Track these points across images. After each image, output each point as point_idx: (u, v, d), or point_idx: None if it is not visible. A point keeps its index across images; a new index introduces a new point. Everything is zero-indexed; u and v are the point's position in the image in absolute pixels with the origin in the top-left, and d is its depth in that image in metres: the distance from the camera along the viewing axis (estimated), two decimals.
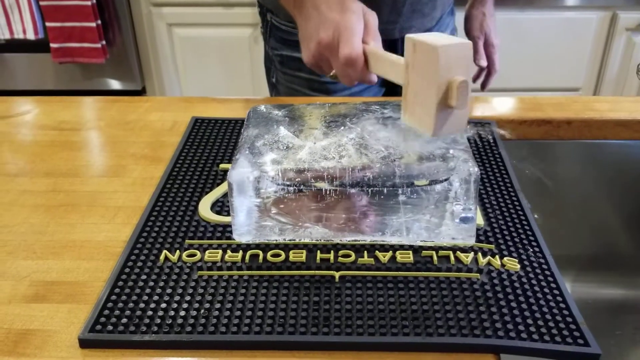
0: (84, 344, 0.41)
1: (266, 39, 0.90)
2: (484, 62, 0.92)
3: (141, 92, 1.75)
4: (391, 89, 0.91)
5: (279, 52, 0.87)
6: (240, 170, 0.48)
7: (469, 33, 0.94)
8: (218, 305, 0.43)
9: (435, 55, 0.42)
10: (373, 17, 0.58)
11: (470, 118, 0.70)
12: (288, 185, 0.48)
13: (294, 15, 0.64)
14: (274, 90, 0.93)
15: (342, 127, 0.53)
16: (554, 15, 1.56)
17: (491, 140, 0.66)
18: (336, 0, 0.58)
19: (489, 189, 0.57)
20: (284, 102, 0.75)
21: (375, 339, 0.41)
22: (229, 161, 0.62)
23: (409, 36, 0.45)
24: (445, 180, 0.47)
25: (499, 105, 0.75)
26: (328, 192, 0.48)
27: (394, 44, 0.83)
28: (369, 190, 0.48)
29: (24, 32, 1.64)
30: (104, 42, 1.63)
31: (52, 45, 1.64)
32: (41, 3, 1.60)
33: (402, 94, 0.48)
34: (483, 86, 0.96)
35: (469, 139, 0.65)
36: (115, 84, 1.74)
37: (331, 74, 0.60)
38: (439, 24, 0.87)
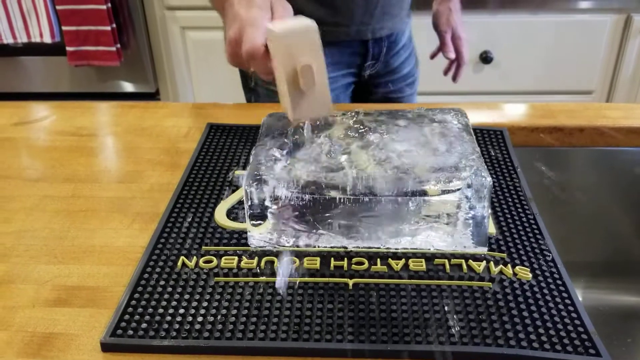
0: (106, 347, 0.42)
1: None
2: (452, 55, 0.95)
3: (155, 95, 1.77)
4: (360, 86, 0.92)
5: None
6: (256, 178, 0.49)
7: (437, 28, 0.97)
8: (234, 311, 0.45)
9: (278, 42, 0.44)
10: (283, 8, 0.56)
11: (481, 125, 0.70)
12: (302, 193, 0.49)
13: (221, 17, 0.63)
14: (252, 94, 0.91)
15: (357, 137, 0.54)
16: (567, 18, 1.55)
17: (503, 148, 0.66)
18: None
19: (501, 197, 0.58)
20: None
21: (387, 346, 0.41)
22: (244, 168, 0.63)
23: (268, 25, 0.47)
24: (458, 190, 0.48)
25: (511, 112, 0.76)
26: (342, 200, 0.49)
27: (365, 45, 0.85)
28: (382, 199, 0.49)
29: (41, 35, 1.67)
30: (118, 46, 1.65)
31: (68, 48, 1.67)
32: (58, 7, 1.62)
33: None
34: (454, 78, 0.99)
35: (480, 147, 0.65)
36: (129, 87, 1.76)
37: (251, 70, 0.58)
38: (407, 23, 0.92)
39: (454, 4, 0.96)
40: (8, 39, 1.67)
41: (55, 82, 1.78)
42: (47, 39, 1.66)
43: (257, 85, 0.89)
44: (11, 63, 1.76)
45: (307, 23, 0.45)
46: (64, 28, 1.64)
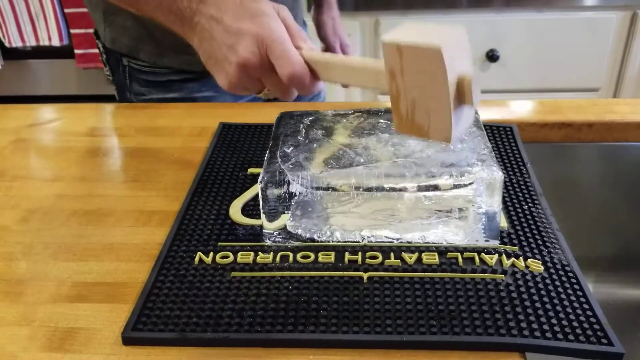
0: (127, 341, 0.43)
1: (126, 85, 0.83)
2: None
3: None
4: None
5: (147, 97, 0.82)
6: (270, 175, 0.50)
7: (325, 39, 0.99)
8: (252, 305, 0.45)
9: (438, 58, 0.35)
10: (286, 12, 0.49)
11: (490, 122, 0.71)
12: (316, 189, 0.50)
13: (184, 35, 0.51)
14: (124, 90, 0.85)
15: (369, 133, 0.55)
16: (573, 15, 1.55)
17: (512, 144, 0.67)
18: (237, 5, 0.47)
19: (512, 192, 0.58)
20: (309, 108, 0.77)
21: (403, 337, 0.42)
22: (257, 165, 0.64)
23: (387, 40, 0.38)
24: (470, 184, 0.48)
25: (520, 109, 0.76)
26: (355, 195, 0.50)
27: None
28: (395, 194, 0.49)
29: (49, 38, 1.68)
30: None
31: (77, 51, 1.68)
32: (66, 10, 1.64)
33: (391, 104, 0.41)
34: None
35: (491, 143, 0.66)
36: None
37: (265, 91, 0.51)
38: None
39: (335, 12, 0.98)
40: (17, 43, 1.69)
41: (64, 85, 1.80)
42: (56, 42, 1.68)
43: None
44: (20, 66, 1.78)
45: (458, 28, 0.37)
46: (72, 31, 1.66)
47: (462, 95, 0.38)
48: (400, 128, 0.42)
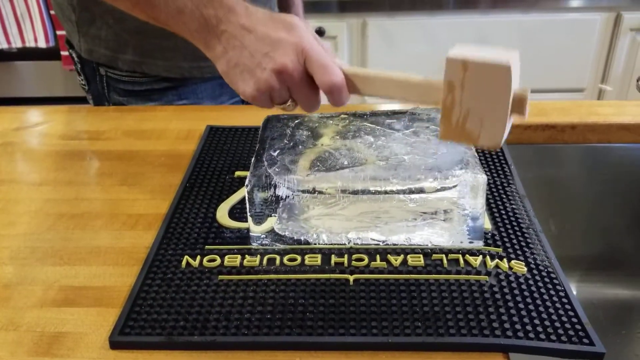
0: (114, 345, 0.44)
1: (104, 95, 0.84)
2: None
3: None
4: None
5: (126, 106, 0.83)
6: (257, 178, 0.50)
7: None
8: (239, 308, 0.46)
9: (505, 74, 0.40)
10: (312, 30, 0.51)
11: None
12: (303, 192, 0.50)
13: (205, 44, 0.51)
14: (100, 98, 0.85)
15: (355, 137, 0.55)
16: (558, 17, 1.57)
17: None
18: (268, 18, 0.49)
19: (496, 193, 0.59)
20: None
21: (389, 339, 0.43)
22: (244, 168, 0.64)
23: (453, 57, 0.41)
24: (454, 187, 0.49)
25: None
26: (341, 198, 0.50)
27: None
28: (381, 197, 0.50)
29: (35, 40, 1.67)
30: None
31: (63, 53, 1.67)
32: (52, 12, 1.63)
33: (442, 114, 0.44)
34: None
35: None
36: None
37: (289, 103, 0.51)
38: None
39: (303, 19, 0.93)
40: (2, 44, 1.68)
41: (50, 87, 1.79)
42: (42, 44, 1.67)
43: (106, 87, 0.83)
44: (5, 68, 1.76)
45: (511, 50, 0.42)
46: (58, 32, 1.65)
47: (517, 108, 0.42)
48: (446, 135, 0.45)
